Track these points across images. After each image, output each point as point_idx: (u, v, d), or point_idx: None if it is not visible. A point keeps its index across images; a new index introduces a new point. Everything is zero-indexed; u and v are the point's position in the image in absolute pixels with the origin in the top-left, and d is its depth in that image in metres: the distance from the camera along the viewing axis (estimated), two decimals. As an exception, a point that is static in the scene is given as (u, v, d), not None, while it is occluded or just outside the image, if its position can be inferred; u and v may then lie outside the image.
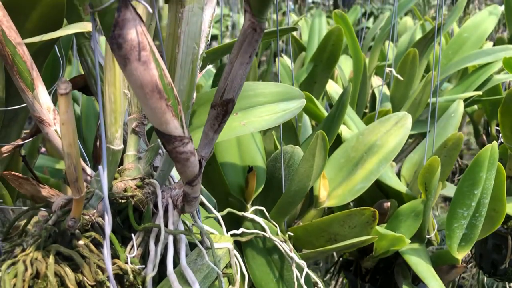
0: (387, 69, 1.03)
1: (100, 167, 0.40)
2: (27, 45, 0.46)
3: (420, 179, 0.71)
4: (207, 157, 0.42)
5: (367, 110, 1.14)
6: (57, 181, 0.81)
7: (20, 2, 0.49)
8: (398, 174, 0.86)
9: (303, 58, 1.09)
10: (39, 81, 0.45)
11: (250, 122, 0.54)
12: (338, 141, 0.72)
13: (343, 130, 0.72)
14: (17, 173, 0.51)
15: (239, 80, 0.38)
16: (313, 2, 2.89)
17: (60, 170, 0.85)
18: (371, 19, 3.44)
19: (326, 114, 0.73)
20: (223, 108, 0.39)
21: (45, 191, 0.54)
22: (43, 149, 0.91)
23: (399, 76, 0.99)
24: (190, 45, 0.38)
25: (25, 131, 0.59)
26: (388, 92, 1.15)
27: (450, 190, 1.02)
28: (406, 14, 2.62)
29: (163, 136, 0.35)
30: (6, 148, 0.54)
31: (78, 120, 0.84)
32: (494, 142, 0.61)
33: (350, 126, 0.77)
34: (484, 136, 1.49)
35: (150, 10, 0.29)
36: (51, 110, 0.46)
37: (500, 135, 0.90)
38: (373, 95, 1.16)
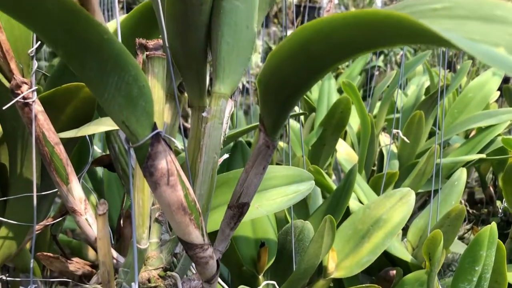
0: (394, 131, 1.07)
1: (124, 261, 0.44)
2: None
3: (424, 249, 0.74)
4: (223, 251, 0.46)
5: (375, 168, 1.18)
6: (78, 242, 0.86)
7: (57, 97, 0.55)
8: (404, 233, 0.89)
9: (313, 119, 1.14)
10: (73, 176, 0.50)
11: (263, 205, 0.58)
12: (346, 212, 0.76)
13: (350, 202, 0.76)
14: (49, 254, 0.56)
15: (254, 187, 0.43)
16: None
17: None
18: (381, 57, 3.51)
19: (334, 185, 0.77)
20: (238, 210, 0.44)
21: (73, 266, 0.58)
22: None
23: (405, 139, 1.04)
24: (211, 156, 0.43)
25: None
26: (395, 150, 1.19)
27: (456, 245, 1.05)
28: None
29: (185, 244, 0.39)
30: (39, 227, 0.59)
31: (101, 183, 0.89)
32: (493, 223, 0.64)
33: (359, 195, 0.81)
34: (491, 188, 1.52)
35: (179, 146, 0.34)
36: (82, 201, 0.51)
37: (504, 200, 0.93)
38: (381, 153, 1.20)
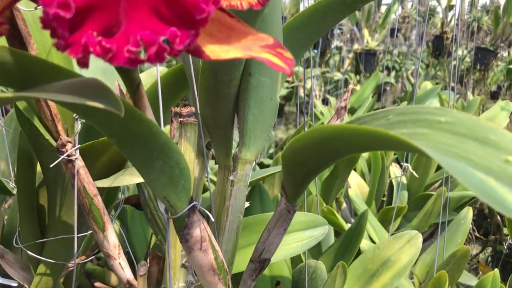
0: (404, 164, 1.11)
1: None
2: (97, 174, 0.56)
3: (431, 286, 0.78)
4: (245, 300, 0.50)
5: (384, 199, 1.22)
6: (102, 269, 0.91)
7: (94, 148, 0.60)
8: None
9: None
10: (109, 224, 0.55)
11: (280, 250, 0.62)
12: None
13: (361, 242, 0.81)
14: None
15: (275, 246, 0.47)
16: (336, 81, 3.01)
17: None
18: (393, 73, 3.55)
19: (345, 225, 0.81)
20: (260, 264, 0.48)
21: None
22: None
23: (414, 173, 1.08)
24: (236, 215, 0.48)
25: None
26: (405, 181, 1.23)
27: (464, 277, 1.09)
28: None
29: (214, 299, 0.44)
30: (72, 263, 0.64)
31: (123, 212, 0.94)
32: (496, 269, 0.68)
33: (370, 233, 0.85)
34: (498, 216, 1.55)
35: (211, 222, 0.39)
36: (116, 247, 0.56)
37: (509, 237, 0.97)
38: (391, 184, 1.24)
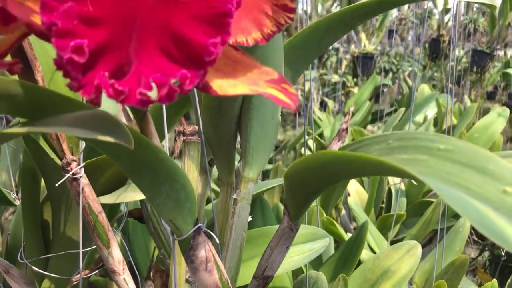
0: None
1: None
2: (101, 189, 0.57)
3: (430, 296, 0.79)
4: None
5: (383, 205, 1.23)
6: (104, 279, 0.91)
7: (99, 164, 0.61)
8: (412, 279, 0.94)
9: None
10: (113, 240, 0.56)
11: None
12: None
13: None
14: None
15: (278, 263, 0.48)
16: (334, 84, 3.02)
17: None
18: (390, 75, 3.56)
19: (345, 235, 0.82)
20: (263, 281, 0.49)
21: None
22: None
23: (413, 181, 1.09)
24: (240, 233, 0.49)
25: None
26: (403, 187, 1.24)
27: (463, 282, 1.10)
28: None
29: (219, 317, 0.45)
30: (76, 278, 0.65)
31: (125, 223, 0.95)
32: (494, 280, 0.69)
33: (370, 242, 0.86)
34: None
35: (214, 241, 0.40)
36: (121, 262, 0.57)
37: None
38: (389, 191, 1.25)
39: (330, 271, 0.77)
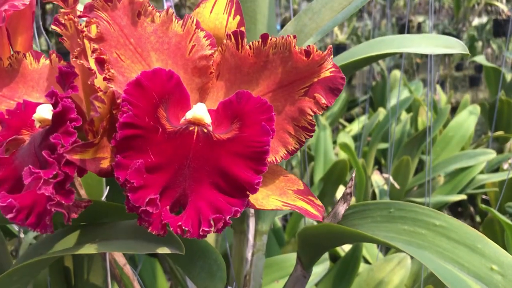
0: (385, 175, 1.20)
1: None
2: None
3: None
4: None
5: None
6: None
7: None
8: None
9: (312, 168, 1.26)
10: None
11: None
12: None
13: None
14: None
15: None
16: None
17: None
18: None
19: (340, 249, 0.89)
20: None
21: None
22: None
23: (396, 184, 1.16)
24: (257, 281, 0.55)
25: None
26: (386, 187, 1.32)
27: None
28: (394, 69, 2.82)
29: None
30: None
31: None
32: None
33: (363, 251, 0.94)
34: (471, 208, 1.67)
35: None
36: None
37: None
38: (374, 192, 1.33)
39: (328, 286, 0.85)
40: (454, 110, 2.17)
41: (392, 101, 1.97)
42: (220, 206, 0.30)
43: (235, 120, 0.32)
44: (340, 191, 1.27)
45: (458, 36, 3.37)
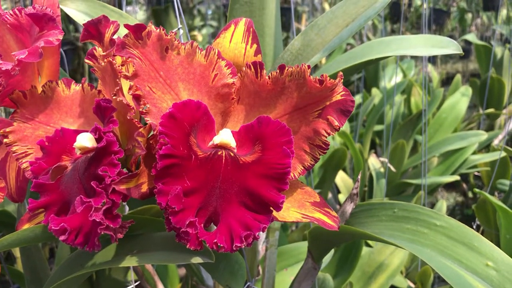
0: (381, 159, 1.24)
1: None
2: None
3: (417, 278, 0.93)
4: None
5: (366, 189, 1.36)
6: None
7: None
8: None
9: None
10: (159, 282, 0.66)
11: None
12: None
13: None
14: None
15: (305, 293, 0.59)
16: None
17: None
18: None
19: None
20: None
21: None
22: None
23: (392, 168, 1.21)
24: (271, 273, 0.59)
25: None
26: (382, 170, 1.37)
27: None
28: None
29: None
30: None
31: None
32: None
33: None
34: (464, 185, 1.72)
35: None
36: (167, 299, 0.67)
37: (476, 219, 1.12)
38: (371, 175, 1.37)
39: (332, 270, 0.90)
40: (446, 82, 2.20)
41: (385, 81, 2.00)
42: (249, 223, 0.34)
43: (257, 142, 0.36)
44: (339, 177, 1.32)
45: (448, 12, 3.39)
